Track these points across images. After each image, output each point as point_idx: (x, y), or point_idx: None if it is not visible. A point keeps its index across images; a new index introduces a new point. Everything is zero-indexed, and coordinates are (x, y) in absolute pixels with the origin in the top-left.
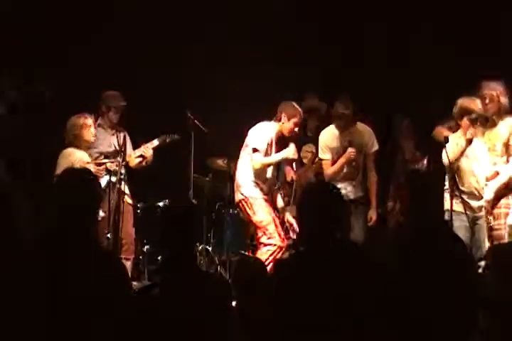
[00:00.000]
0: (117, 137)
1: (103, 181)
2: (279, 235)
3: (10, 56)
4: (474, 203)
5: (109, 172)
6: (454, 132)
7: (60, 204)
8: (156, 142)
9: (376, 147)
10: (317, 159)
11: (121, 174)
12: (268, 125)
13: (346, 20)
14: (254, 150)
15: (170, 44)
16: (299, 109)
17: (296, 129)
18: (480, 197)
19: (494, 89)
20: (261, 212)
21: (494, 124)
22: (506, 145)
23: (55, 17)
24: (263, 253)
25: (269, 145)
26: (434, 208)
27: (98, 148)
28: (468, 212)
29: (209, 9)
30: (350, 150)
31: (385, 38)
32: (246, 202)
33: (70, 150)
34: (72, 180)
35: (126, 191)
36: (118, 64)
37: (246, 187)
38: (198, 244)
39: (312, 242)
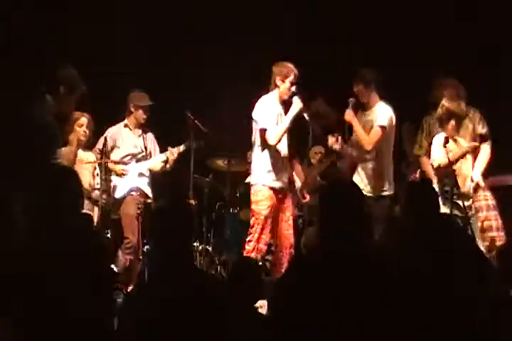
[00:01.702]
0: (144, 138)
1: (124, 182)
2: (270, 233)
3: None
4: (465, 203)
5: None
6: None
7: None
8: (182, 148)
9: (380, 122)
10: (324, 159)
11: (143, 175)
12: (267, 97)
13: (346, 20)
14: (264, 130)
15: (170, 44)
16: (291, 66)
17: (293, 88)
18: (468, 197)
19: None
20: (262, 204)
21: None
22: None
23: (54, 17)
24: (245, 252)
25: (279, 114)
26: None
27: (122, 148)
28: (458, 213)
29: (209, 9)
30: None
31: (385, 38)
32: (252, 188)
33: (68, 148)
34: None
35: (150, 194)
36: (118, 64)
37: (256, 172)
38: (198, 244)
39: (330, 244)
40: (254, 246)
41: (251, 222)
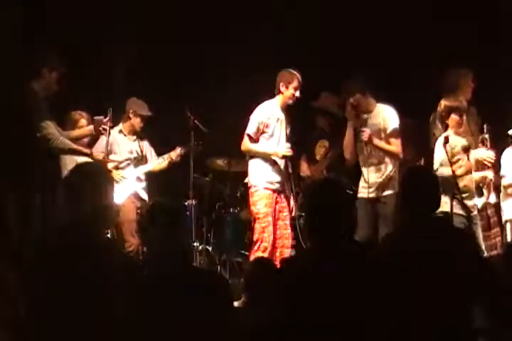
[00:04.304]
0: (139, 142)
1: (123, 187)
2: (273, 233)
3: None
4: (469, 202)
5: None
6: (439, 134)
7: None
8: (179, 150)
9: (392, 126)
10: (329, 154)
11: (140, 179)
12: (265, 104)
13: (347, 20)
14: (246, 134)
15: (170, 43)
16: (296, 74)
17: (297, 94)
18: (473, 197)
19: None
20: (260, 203)
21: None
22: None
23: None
24: (252, 252)
25: (265, 125)
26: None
27: (118, 154)
28: (462, 213)
29: (209, 9)
30: (363, 130)
31: (385, 37)
32: (249, 190)
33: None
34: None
35: (146, 198)
36: (118, 64)
37: (252, 174)
38: (198, 244)
39: (317, 241)
40: (259, 246)
41: (253, 223)
